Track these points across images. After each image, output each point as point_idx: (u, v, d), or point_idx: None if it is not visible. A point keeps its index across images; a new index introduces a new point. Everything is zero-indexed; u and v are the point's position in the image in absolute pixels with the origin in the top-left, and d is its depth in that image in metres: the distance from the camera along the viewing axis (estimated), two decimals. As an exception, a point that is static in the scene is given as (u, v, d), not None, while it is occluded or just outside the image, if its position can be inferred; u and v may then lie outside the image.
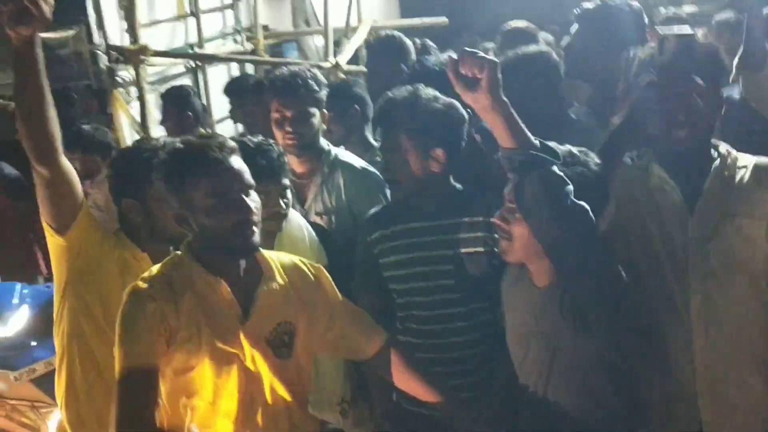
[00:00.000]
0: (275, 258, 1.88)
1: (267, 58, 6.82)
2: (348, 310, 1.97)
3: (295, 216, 2.46)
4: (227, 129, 5.72)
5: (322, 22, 6.96)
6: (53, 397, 2.57)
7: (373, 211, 2.43)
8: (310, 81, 2.66)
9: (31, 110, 1.85)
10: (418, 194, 2.24)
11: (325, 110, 2.76)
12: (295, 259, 1.94)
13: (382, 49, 3.61)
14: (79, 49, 17.89)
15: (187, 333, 1.68)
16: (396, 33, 3.74)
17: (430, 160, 2.17)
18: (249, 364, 1.75)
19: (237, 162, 1.74)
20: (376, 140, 3.05)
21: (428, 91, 2.21)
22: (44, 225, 2.03)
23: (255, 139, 2.25)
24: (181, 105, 4.40)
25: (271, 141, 2.31)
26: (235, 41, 6.86)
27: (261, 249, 1.81)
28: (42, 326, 2.92)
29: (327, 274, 1.96)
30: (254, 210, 1.73)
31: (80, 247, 2.01)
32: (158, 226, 2.10)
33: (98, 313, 2.05)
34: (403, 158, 2.18)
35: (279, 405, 1.81)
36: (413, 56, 3.58)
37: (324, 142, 2.79)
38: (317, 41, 7.71)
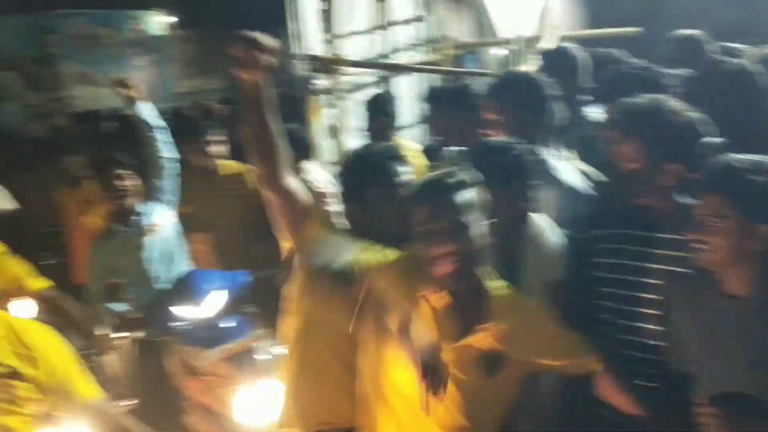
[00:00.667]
0: None
1: (453, 68, 6.95)
2: None
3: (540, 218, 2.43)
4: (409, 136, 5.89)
5: (500, 33, 6.96)
6: (244, 375, 2.79)
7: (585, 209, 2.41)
8: None
9: (255, 142, 2.04)
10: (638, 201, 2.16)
11: None
12: None
13: (553, 63, 3.57)
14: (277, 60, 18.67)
15: None
16: (570, 46, 3.70)
17: (662, 173, 2.08)
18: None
19: None
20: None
21: (672, 103, 2.14)
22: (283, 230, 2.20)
23: (498, 140, 2.34)
24: (384, 111, 4.66)
25: (514, 141, 2.34)
26: (423, 52, 7.04)
27: None
28: (235, 309, 3.18)
29: None
30: None
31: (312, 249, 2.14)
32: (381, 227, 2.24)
33: None
34: (631, 166, 2.11)
35: None
36: (589, 69, 3.50)
37: None
38: (497, 52, 7.71)
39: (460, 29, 7.95)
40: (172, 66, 14.49)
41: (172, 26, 14.98)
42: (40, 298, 3.20)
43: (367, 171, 2.24)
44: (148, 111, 3.74)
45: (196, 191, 4.08)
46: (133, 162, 3.62)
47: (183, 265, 3.73)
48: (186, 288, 3.17)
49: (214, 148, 4.25)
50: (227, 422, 2.82)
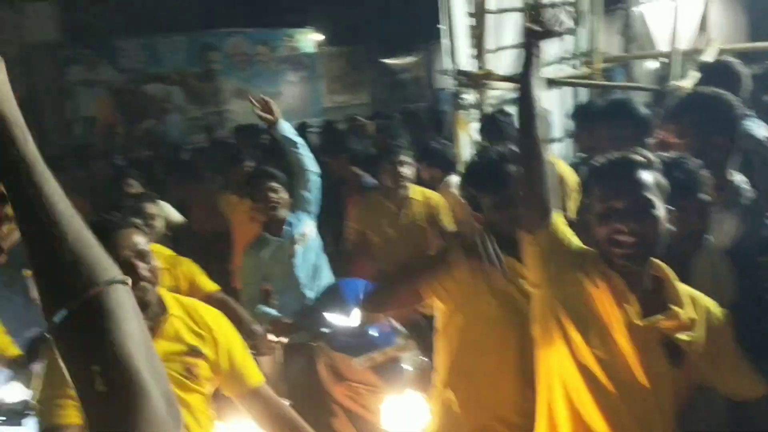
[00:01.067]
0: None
1: (603, 82, 6.74)
2: None
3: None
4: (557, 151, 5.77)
5: (657, 45, 6.66)
6: (388, 384, 2.83)
7: None
8: None
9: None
10: None
11: None
12: None
13: (714, 77, 3.36)
14: (419, 74, 19.27)
15: None
16: (732, 60, 3.49)
17: None
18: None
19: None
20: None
21: None
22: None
23: (670, 155, 2.25)
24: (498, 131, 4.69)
25: (687, 156, 2.26)
26: (573, 66, 6.88)
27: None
28: (379, 318, 3.23)
29: None
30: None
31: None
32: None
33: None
34: None
35: None
36: (749, 84, 3.28)
37: None
38: (649, 65, 7.40)
39: (609, 42, 7.71)
40: (321, 81, 15.06)
41: (322, 43, 15.58)
42: (211, 299, 3.39)
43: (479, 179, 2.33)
44: (287, 128, 3.89)
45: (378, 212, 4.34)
46: (283, 174, 3.78)
47: (327, 273, 3.85)
48: (335, 296, 3.27)
49: (404, 170, 4.41)
50: (373, 429, 2.87)
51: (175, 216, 4.95)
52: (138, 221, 3.39)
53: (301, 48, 14.59)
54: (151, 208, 4.01)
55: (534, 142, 1.97)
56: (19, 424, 3.09)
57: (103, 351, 0.79)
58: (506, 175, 2.21)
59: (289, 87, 14.34)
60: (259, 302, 3.54)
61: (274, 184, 3.68)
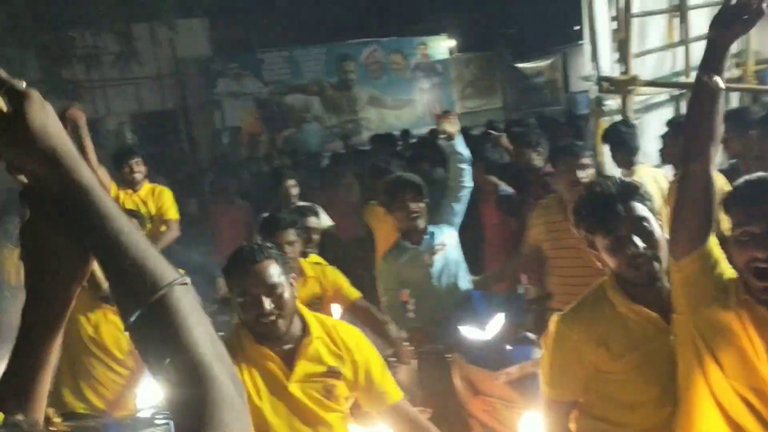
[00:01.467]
0: None
1: (756, 86, 6.32)
2: None
3: None
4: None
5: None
6: (526, 399, 2.79)
7: None
8: None
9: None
10: None
11: None
12: None
13: None
14: (553, 77, 18.83)
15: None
16: None
17: None
18: None
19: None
20: None
21: None
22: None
23: None
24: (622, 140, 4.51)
25: None
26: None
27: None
28: (514, 332, 3.19)
29: None
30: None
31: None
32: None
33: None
34: None
35: None
36: None
37: None
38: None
39: (763, 41, 7.22)
40: (453, 87, 15.09)
41: (454, 49, 15.60)
42: (355, 306, 3.48)
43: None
44: (461, 143, 3.88)
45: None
46: (424, 183, 3.80)
47: (465, 284, 3.83)
48: (470, 308, 3.26)
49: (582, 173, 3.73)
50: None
51: (327, 222, 5.10)
52: (293, 237, 3.54)
53: (434, 55, 14.70)
54: (312, 221, 4.14)
55: (701, 150, 1.77)
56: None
57: (171, 344, 0.91)
58: (616, 214, 1.94)
59: (422, 94, 14.46)
60: (397, 310, 3.60)
61: (415, 194, 3.70)
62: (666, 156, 4.75)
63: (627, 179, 2.17)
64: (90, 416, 3.17)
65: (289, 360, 2.18)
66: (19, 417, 0.85)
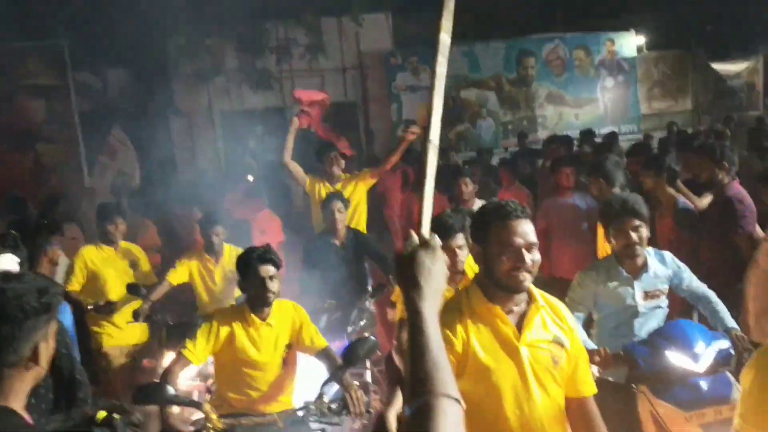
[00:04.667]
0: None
1: None
2: None
3: None
4: None
5: None
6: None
7: None
8: None
9: None
10: None
11: None
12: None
13: None
14: (752, 80, 17.48)
15: None
16: None
17: None
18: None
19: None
20: None
21: None
22: None
23: None
24: None
25: None
26: None
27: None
28: (714, 369, 2.92)
29: None
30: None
31: None
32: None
33: None
34: None
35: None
36: None
37: None
38: None
39: None
40: (639, 87, 14.30)
41: (642, 47, 14.76)
42: None
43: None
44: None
45: None
46: (647, 210, 3.52)
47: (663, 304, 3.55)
48: (678, 335, 3.00)
49: None
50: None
51: None
52: (461, 242, 3.54)
53: (620, 52, 14.00)
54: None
55: None
56: (338, 424, 3.29)
57: None
58: None
59: (605, 92, 13.86)
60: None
61: (637, 222, 3.40)
62: None
63: None
64: (244, 414, 3.29)
65: (517, 323, 2.29)
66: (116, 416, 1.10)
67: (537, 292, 2.34)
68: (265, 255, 3.40)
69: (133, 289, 4.87)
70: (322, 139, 6.48)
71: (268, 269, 3.39)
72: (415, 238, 1.45)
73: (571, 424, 2.32)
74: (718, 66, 15.33)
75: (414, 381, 1.26)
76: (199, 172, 10.03)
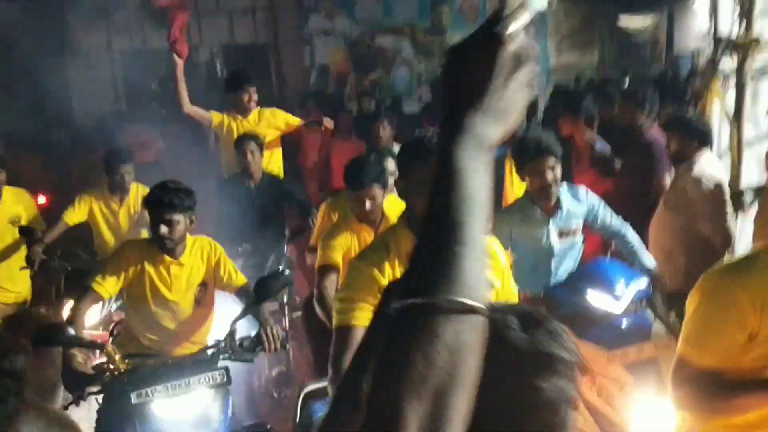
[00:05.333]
0: None
1: None
2: None
3: None
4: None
5: None
6: (641, 384, 2.58)
7: None
8: None
9: None
10: None
11: None
12: None
13: None
14: (657, 35, 17.89)
15: None
16: None
17: None
18: None
19: None
20: None
21: None
22: None
23: None
24: None
25: None
26: None
27: None
28: (634, 309, 2.94)
29: None
30: None
31: None
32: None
33: None
34: None
35: None
36: None
37: None
38: None
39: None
40: (549, 40, 14.44)
41: (553, 0, 14.85)
42: None
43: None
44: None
45: None
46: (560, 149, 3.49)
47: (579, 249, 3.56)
48: (599, 276, 2.99)
49: None
50: (613, 428, 2.65)
51: None
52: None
53: (532, 3, 14.04)
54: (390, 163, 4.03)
55: None
56: (251, 361, 3.18)
57: (385, 366, 0.71)
58: None
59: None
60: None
61: (552, 159, 3.38)
62: None
63: None
64: (150, 355, 3.15)
65: None
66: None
67: None
68: (169, 197, 3.17)
69: (25, 231, 4.52)
70: (233, 70, 6.24)
71: (170, 215, 3.18)
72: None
73: None
74: (625, 20, 15.63)
75: (424, 259, 0.76)
76: (98, 116, 9.51)
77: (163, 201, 3.15)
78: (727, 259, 4.09)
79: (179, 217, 3.18)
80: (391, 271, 2.09)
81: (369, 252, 2.23)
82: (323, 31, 11.96)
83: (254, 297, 3.13)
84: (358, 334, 1.99)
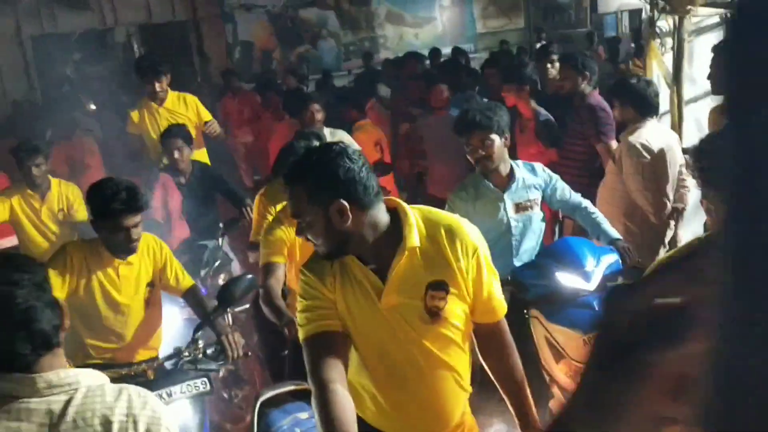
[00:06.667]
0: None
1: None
2: None
3: None
4: None
5: None
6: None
7: None
8: None
9: None
10: None
11: None
12: None
13: None
14: (579, -2, 17.49)
15: None
16: None
17: None
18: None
19: None
20: None
21: None
22: None
23: None
24: None
25: None
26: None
27: None
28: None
29: None
30: None
31: None
32: None
33: None
34: None
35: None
36: None
37: None
38: None
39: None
40: (475, 5, 14.32)
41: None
42: None
43: None
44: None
45: None
46: (491, 122, 3.34)
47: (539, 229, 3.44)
48: (566, 254, 2.84)
49: None
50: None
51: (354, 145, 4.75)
52: None
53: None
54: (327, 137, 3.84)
55: None
56: (215, 370, 2.98)
57: None
58: None
59: (444, 11, 13.74)
60: None
61: (483, 134, 3.25)
62: (715, 83, 4.28)
63: None
64: (107, 366, 2.88)
65: None
66: None
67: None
68: (128, 201, 2.87)
69: None
70: (140, 57, 5.88)
71: (134, 219, 2.90)
72: None
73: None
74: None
75: None
76: (10, 105, 8.90)
77: (129, 206, 2.86)
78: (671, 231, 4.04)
79: (138, 217, 2.94)
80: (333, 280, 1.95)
81: (313, 263, 2.05)
82: (244, 5, 11.49)
83: (217, 303, 2.98)
84: (330, 340, 1.93)
